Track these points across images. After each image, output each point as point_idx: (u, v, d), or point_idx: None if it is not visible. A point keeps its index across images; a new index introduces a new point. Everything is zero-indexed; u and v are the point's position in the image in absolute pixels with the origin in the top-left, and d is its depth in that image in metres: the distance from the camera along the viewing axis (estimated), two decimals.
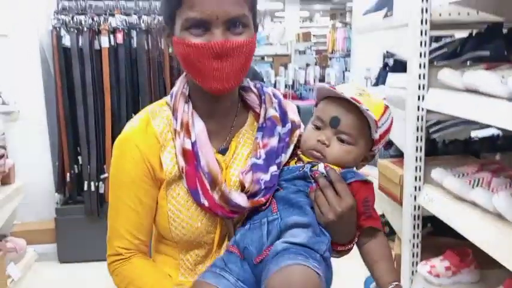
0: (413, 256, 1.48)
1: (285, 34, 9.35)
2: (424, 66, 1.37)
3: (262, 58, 9.09)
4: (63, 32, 3.20)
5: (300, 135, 0.93)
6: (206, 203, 0.85)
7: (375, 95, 0.91)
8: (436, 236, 1.71)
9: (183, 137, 0.86)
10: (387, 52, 1.97)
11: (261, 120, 0.92)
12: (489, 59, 1.46)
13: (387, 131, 0.91)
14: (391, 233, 1.82)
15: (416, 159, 1.42)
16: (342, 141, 0.86)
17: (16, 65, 3.09)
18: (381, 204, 1.77)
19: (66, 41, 3.22)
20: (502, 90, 1.04)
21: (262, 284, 0.74)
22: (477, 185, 1.21)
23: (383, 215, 1.89)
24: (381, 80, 1.81)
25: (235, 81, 0.86)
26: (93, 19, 3.15)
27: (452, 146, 1.81)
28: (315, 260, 0.74)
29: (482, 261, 1.31)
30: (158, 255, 0.97)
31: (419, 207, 1.44)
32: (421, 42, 1.35)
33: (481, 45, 1.51)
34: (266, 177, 0.85)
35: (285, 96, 6.05)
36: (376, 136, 0.87)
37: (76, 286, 2.89)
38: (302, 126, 0.96)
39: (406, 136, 1.45)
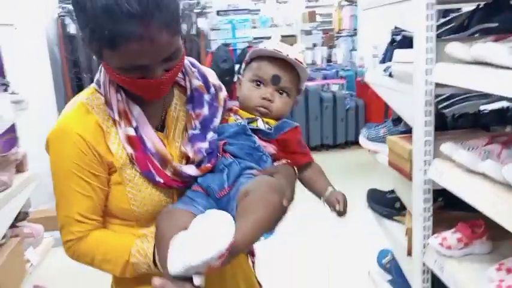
0: (424, 230, 1.49)
1: (289, 15, 9.22)
2: (431, 40, 1.35)
3: None
4: (68, 20, 3.22)
5: (225, 97, 1.05)
6: (162, 181, 0.91)
7: (293, 48, 1.03)
8: (447, 210, 1.72)
9: (123, 125, 0.90)
10: (395, 28, 1.95)
11: (188, 92, 0.98)
12: (497, 31, 1.44)
13: (303, 88, 1.10)
14: (402, 209, 1.83)
15: (426, 134, 1.42)
16: (281, 94, 1.01)
17: (24, 54, 3.11)
18: (391, 180, 1.78)
19: (71, 29, 3.24)
20: (510, 60, 1.03)
21: (230, 208, 0.85)
22: (487, 157, 1.21)
23: (393, 191, 1.91)
24: (388, 56, 1.79)
25: None
26: None
27: (461, 120, 1.81)
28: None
29: (495, 233, 1.32)
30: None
31: (429, 181, 1.45)
32: (427, 16, 1.34)
33: (489, 18, 1.50)
34: (205, 145, 0.94)
35: None
36: (303, 86, 1.06)
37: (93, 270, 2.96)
38: (223, 88, 1.06)
39: (415, 111, 1.44)
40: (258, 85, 1.01)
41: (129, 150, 0.90)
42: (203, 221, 0.72)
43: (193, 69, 1.01)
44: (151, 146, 0.91)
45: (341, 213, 0.99)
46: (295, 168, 1.02)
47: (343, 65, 6.42)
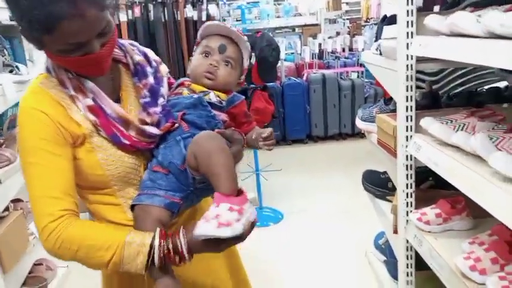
0: (407, 206, 1.49)
1: (314, 3, 9.14)
2: (412, 14, 1.34)
3: (293, 30, 8.95)
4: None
5: (168, 72, 1.14)
6: (127, 142, 0.97)
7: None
8: (438, 189, 1.70)
9: (81, 98, 0.94)
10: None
11: (132, 67, 1.05)
12: (486, 5, 1.40)
13: (246, 67, 1.16)
14: (394, 189, 1.82)
15: (407, 109, 1.42)
16: (226, 65, 1.08)
17: None
18: (381, 159, 1.77)
19: None
20: (476, 28, 1.02)
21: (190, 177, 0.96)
22: (461, 130, 1.20)
23: (385, 172, 1.90)
24: (379, 34, 1.78)
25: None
26: None
27: (456, 99, 1.78)
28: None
29: (480, 211, 1.31)
30: (99, 207, 1.02)
31: (410, 157, 1.44)
32: None
33: None
34: (158, 109, 1.01)
35: (311, 65, 5.99)
36: (245, 65, 1.14)
37: None
38: (163, 63, 1.13)
39: (398, 86, 1.44)
40: (207, 56, 1.09)
41: (92, 117, 0.94)
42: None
43: (133, 47, 1.08)
44: (112, 112, 0.96)
45: (268, 143, 1.09)
46: (243, 134, 1.10)
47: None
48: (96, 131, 0.96)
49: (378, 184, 1.95)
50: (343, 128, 5.53)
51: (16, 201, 1.82)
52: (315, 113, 5.45)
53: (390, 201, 1.87)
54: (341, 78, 5.65)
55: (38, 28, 0.83)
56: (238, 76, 1.12)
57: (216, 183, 0.88)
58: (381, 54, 1.69)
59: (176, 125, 1.00)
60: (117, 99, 1.02)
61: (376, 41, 1.83)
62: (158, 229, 0.89)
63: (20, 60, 2.62)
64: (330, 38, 6.90)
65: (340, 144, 5.41)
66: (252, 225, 0.88)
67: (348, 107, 5.45)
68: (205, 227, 0.80)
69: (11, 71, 1.81)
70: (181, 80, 1.12)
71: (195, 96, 1.04)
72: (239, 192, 0.88)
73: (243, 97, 1.12)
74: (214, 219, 0.81)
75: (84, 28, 0.84)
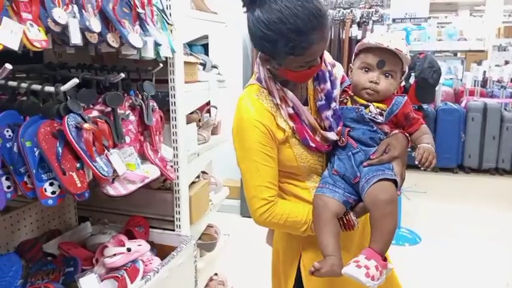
0: None
1: (482, 29, 8.60)
2: None
3: (455, 54, 8.53)
4: None
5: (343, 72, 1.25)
6: (313, 145, 1.18)
7: (397, 35, 1.19)
8: None
9: (285, 107, 1.17)
10: None
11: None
12: None
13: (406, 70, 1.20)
14: None
15: None
16: (386, 77, 1.15)
17: (227, 47, 3.83)
18: None
19: None
20: None
21: (362, 195, 1.12)
22: None
23: None
24: None
25: None
26: None
27: None
28: (389, 170, 1.12)
29: None
30: (290, 186, 1.25)
31: None
32: None
33: None
34: (330, 112, 1.19)
35: (471, 92, 5.72)
36: (405, 68, 1.18)
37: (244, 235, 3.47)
38: (336, 64, 1.25)
39: None
40: (366, 71, 1.17)
41: (291, 124, 1.17)
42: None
43: None
44: (305, 119, 1.17)
45: (423, 164, 1.14)
46: (408, 136, 1.19)
47: None
48: (293, 134, 1.19)
49: None
50: (501, 163, 5.15)
51: (203, 172, 2.28)
52: (470, 143, 5.19)
53: None
54: (505, 109, 5.27)
55: (293, 53, 1.04)
56: (398, 81, 1.18)
57: (374, 239, 1.06)
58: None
59: (344, 139, 1.17)
60: (305, 102, 1.22)
61: None
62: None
63: None
64: (496, 66, 6.45)
65: (495, 179, 5.04)
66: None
67: (509, 141, 5.07)
68: (356, 271, 1.00)
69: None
70: (346, 85, 1.25)
71: (357, 110, 1.16)
72: (384, 258, 1.05)
73: (404, 100, 1.17)
74: (364, 268, 1.00)
75: (322, 49, 1.07)
